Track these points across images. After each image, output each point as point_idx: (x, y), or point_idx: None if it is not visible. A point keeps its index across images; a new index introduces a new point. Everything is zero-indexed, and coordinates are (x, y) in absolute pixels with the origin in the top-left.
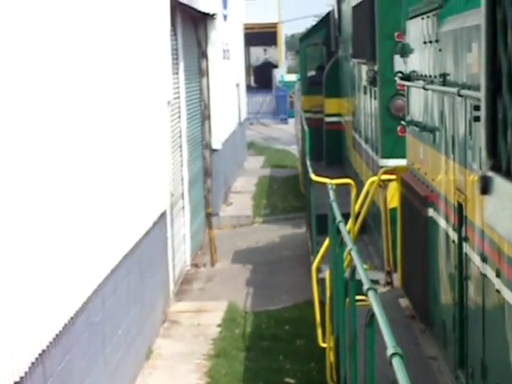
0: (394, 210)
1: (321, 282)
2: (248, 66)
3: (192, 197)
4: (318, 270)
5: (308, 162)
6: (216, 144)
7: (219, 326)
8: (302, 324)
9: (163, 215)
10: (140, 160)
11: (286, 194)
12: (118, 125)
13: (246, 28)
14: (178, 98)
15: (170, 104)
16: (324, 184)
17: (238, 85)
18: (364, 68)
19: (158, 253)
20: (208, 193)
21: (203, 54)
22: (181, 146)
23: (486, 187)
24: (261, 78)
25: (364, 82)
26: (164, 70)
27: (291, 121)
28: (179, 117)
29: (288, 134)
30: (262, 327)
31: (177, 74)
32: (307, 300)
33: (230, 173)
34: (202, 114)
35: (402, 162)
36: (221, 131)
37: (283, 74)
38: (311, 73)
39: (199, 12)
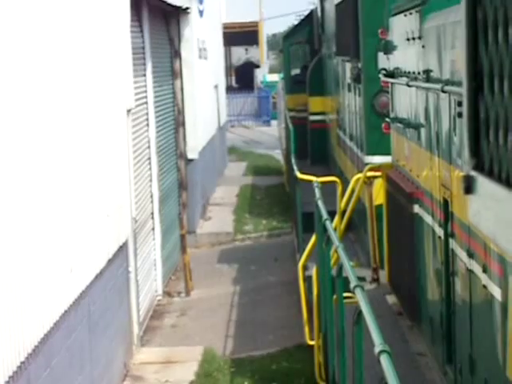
0: (379, 206)
1: (307, 279)
2: (229, 67)
3: (164, 215)
4: (305, 268)
5: (293, 160)
6: (192, 153)
7: (191, 383)
8: (293, 381)
9: (123, 246)
10: (87, 183)
11: (270, 206)
12: (55, 140)
13: (226, 27)
14: (146, 103)
15: (131, 112)
16: (309, 182)
17: (216, 86)
18: (348, 65)
19: (116, 295)
20: (183, 208)
21: (176, 53)
22: (149, 159)
23: (469, 187)
24: (242, 78)
25: (348, 80)
26: (123, 74)
27: (274, 123)
28: (147, 125)
29: (271, 137)
30: None
31: (144, 75)
32: (299, 344)
33: (209, 183)
34: (175, 120)
35: (387, 159)
36: (197, 139)
37: (265, 74)
38: (295, 71)
39: (170, 5)
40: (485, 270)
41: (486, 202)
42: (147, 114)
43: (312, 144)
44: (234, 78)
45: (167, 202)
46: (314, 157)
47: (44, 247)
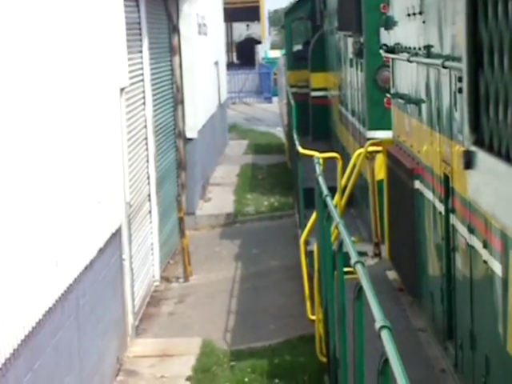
0: (381, 181)
1: (309, 254)
2: (230, 43)
3: (162, 197)
4: (306, 243)
5: (295, 136)
6: (191, 132)
7: (189, 379)
8: (297, 377)
9: (116, 233)
10: (74, 167)
11: (271, 186)
12: (38, 119)
13: (227, 3)
14: (142, 81)
15: (126, 91)
16: (311, 157)
17: (216, 63)
18: (350, 40)
19: (109, 285)
20: (182, 189)
21: (174, 29)
22: (146, 139)
23: (469, 162)
24: (243, 54)
25: (350, 55)
26: (116, 51)
27: (276, 99)
28: (143, 103)
29: (273, 115)
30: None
31: (140, 52)
32: (302, 335)
33: (209, 163)
34: (173, 98)
35: (389, 134)
36: (196, 117)
37: (267, 50)
38: (297, 47)
39: None
40: (485, 246)
41: (486, 177)
42: (143, 92)
43: (314, 120)
44: (235, 54)
45: (165, 184)
46: (315, 133)
47: (25, 240)
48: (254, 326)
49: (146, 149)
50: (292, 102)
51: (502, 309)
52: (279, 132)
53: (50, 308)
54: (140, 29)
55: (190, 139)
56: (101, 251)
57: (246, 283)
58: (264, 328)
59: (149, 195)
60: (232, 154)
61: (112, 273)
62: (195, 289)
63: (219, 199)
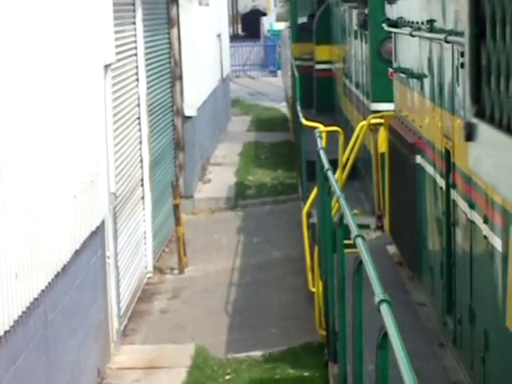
0: (384, 154)
1: (311, 226)
2: (236, 14)
3: (156, 181)
4: (309, 215)
5: (298, 108)
6: (190, 110)
7: None
8: None
9: (98, 230)
10: (42, 158)
11: (275, 166)
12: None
13: None
14: (135, 55)
15: (114, 67)
16: (314, 129)
17: (219, 35)
18: (355, 12)
19: (88, 290)
20: (180, 171)
21: None
22: (139, 118)
23: (470, 134)
24: (249, 26)
25: (355, 27)
26: (98, 24)
27: (281, 73)
28: (136, 80)
29: (277, 89)
30: None
31: (133, 24)
32: (307, 343)
33: (209, 141)
34: (171, 73)
35: (393, 106)
36: (196, 93)
37: (272, 22)
38: (302, 20)
39: None
40: (486, 221)
41: (487, 149)
42: (137, 67)
43: (318, 93)
44: (240, 26)
45: (161, 166)
46: (319, 106)
47: None
48: (254, 329)
49: (139, 129)
50: (296, 74)
51: (501, 284)
52: (284, 107)
53: (7, 331)
54: None
55: (189, 117)
56: (77, 253)
57: (246, 276)
58: (264, 331)
59: (142, 180)
60: (234, 130)
61: (92, 275)
62: (190, 282)
63: (219, 181)
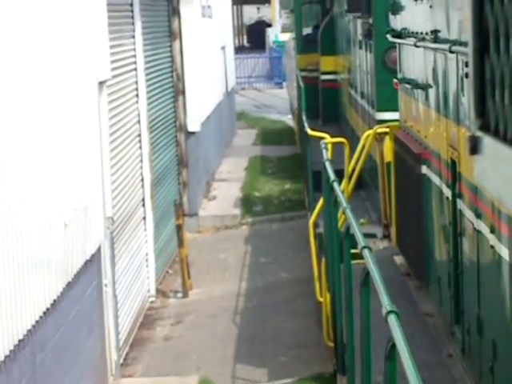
0: (390, 163)
1: (318, 236)
2: (241, 26)
3: (158, 201)
4: (315, 225)
5: (304, 118)
6: (193, 125)
7: None
8: None
9: (93, 259)
10: (27, 184)
11: (282, 181)
12: None
13: None
14: (134, 70)
15: (110, 84)
16: (320, 139)
17: (223, 48)
18: (359, 22)
19: (82, 323)
20: (184, 188)
21: (174, 11)
22: (139, 135)
23: (474, 147)
24: (254, 37)
25: (359, 37)
26: (91, 39)
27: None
28: (136, 96)
29: (283, 101)
30: None
31: (132, 37)
32: (319, 374)
33: (214, 157)
34: (174, 88)
35: (397, 115)
36: (200, 108)
37: (277, 34)
38: (306, 31)
39: None
40: (492, 231)
41: (492, 162)
42: (136, 82)
43: (323, 103)
44: (245, 37)
45: (163, 185)
46: (325, 116)
47: None
48: (262, 358)
49: (140, 147)
50: (301, 84)
51: (509, 293)
52: (290, 120)
53: None
54: (132, 11)
55: (193, 133)
56: (69, 286)
57: (253, 300)
58: (273, 360)
59: (143, 199)
60: (240, 144)
61: (87, 307)
62: (195, 306)
63: (225, 197)
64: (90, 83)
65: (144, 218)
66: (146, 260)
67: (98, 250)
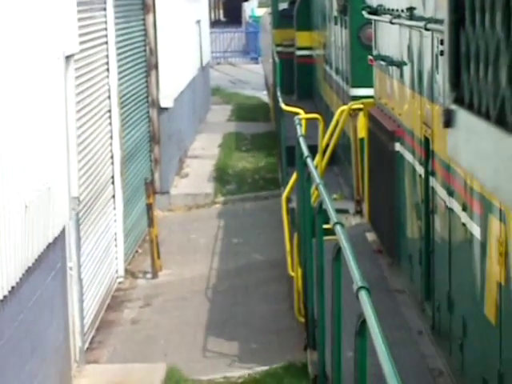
0: (363, 139)
1: (291, 211)
2: (217, 0)
3: (128, 178)
4: (288, 200)
5: (278, 93)
6: (166, 101)
7: None
8: None
9: (56, 242)
10: None
11: (257, 160)
12: None
13: None
14: (105, 43)
15: (78, 58)
16: (294, 114)
17: (199, 21)
18: None
19: (44, 309)
20: (155, 165)
21: None
22: (109, 111)
23: (449, 120)
24: (231, 12)
25: (335, 13)
26: (57, 11)
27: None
28: (107, 70)
29: (259, 76)
30: None
31: (103, 10)
32: (290, 363)
33: (187, 133)
34: (147, 62)
35: (372, 92)
36: (173, 83)
37: (254, 8)
38: (283, 6)
39: None
40: (464, 209)
41: (466, 136)
42: (107, 56)
43: (299, 79)
44: (221, 11)
45: (134, 162)
46: (300, 92)
47: None
48: (232, 344)
49: (110, 123)
50: (276, 59)
51: (479, 272)
52: (265, 96)
53: None
54: None
55: (166, 108)
56: (29, 271)
57: (224, 282)
58: (244, 347)
59: (112, 177)
60: (214, 120)
61: (49, 292)
62: (164, 288)
63: (197, 175)
64: (55, 57)
65: (113, 197)
66: (115, 240)
67: (63, 231)
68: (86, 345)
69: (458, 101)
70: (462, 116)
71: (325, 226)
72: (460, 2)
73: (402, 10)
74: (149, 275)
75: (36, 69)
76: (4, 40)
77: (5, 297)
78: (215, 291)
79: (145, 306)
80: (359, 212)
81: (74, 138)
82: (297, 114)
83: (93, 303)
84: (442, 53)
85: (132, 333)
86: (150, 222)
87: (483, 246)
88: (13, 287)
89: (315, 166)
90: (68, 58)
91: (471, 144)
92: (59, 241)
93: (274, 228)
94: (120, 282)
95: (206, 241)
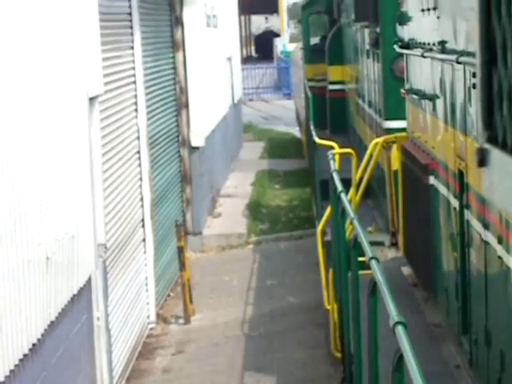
0: (397, 171)
1: (326, 244)
2: (249, 36)
3: (159, 221)
4: (323, 233)
5: (312, 127)
6: (197, 140)
7: None
8: None
9: (82, 292)
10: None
11: (290, 197)
12: None
13: None
14: (133, 83)
15: (106, 99)
16: (328, 147)
17: (229, 58)
18: (366, 31)
19: (70, 364)
20: (187, 206)
21: (177, 21)
22: (138, 152)
23: (482, 160)
24: (262, 47)
25: (367, 46)
26: (81, 52)
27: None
28: (135, 110)
29: (291, 112)
30: None
31: (131, 48)
32: None
33: (219, 172)
34: (176, 101)
35: (405, 124)
36: (204, 122)
37: (285, 44)
38: (314, 41)
39: None
40: (500, 241)
41: (500, 175)
42: (135, 96)
43: (331, 113)
44: (253, 47)
45: (164, 203)
46: (333, 126)
47: None
48: None
49: (139, 164)
50: (309, 94)
51: None
52: (298, 131)
53: None
54: (131, 20)
55: (197, 147)
56: (52, 326)
57: (258, 327)
58: None
59: (142, 220)
60: (247, 158)
61: (74, 346)
62: (197, 334)
63: (230, 214)
64: (78, 99)
65: (143, 240)
66: (146, 284)
67: (89, 281)
68: None
69: (492, 140)
70: (496, 155)
71: (360, 259)
72: (492, 41)
73: (434, 44)
74: (181, 320)
75: (59, 112)
76: (28, 83)
77: (25, 355)
78: (249, 337)
79: (177, 354)
80: (395, 244)
81: (100, 181)
82: (330, 147)
83: (123, 352)
84: (474, 86)
85: (163, 383)
86: (182, 266)
87: None
88: (34, 345)
89: (349, 200)
90: (92, 99)
91: (505, 183)
92: (85, 291)
93: (308, 269)
94: (152, 328)
95: (239, 283)
